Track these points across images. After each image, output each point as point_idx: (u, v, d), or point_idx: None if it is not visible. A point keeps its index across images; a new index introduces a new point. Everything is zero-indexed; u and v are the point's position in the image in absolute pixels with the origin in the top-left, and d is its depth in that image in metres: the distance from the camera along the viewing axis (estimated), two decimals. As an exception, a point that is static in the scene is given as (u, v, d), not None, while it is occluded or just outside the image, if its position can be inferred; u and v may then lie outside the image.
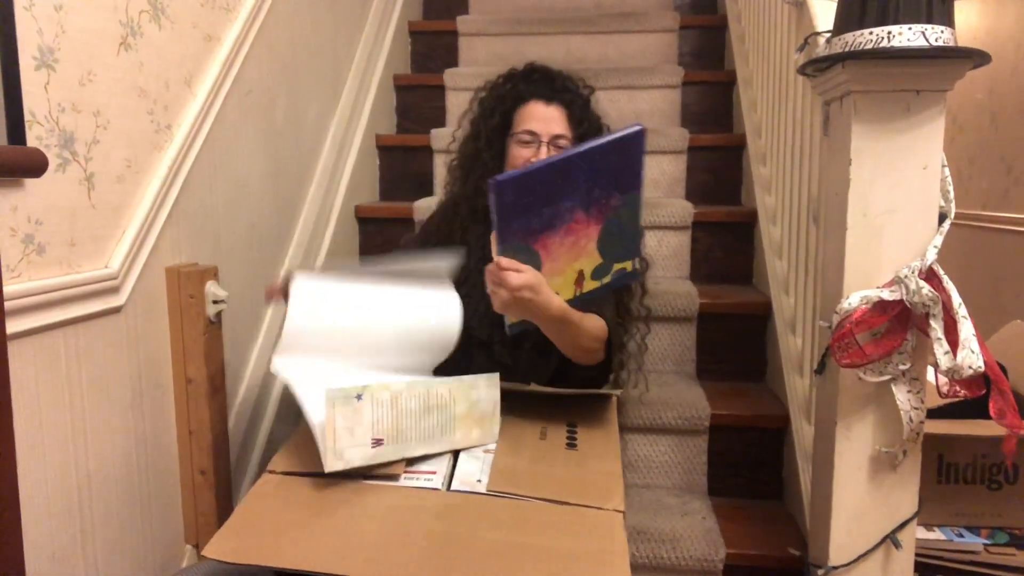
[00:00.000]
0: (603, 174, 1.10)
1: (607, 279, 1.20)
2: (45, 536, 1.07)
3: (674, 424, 1.73)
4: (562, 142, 1.41)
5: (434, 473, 1.03)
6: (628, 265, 1.22)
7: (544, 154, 1.40)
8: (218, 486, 1.41)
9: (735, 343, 1.98)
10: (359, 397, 1.04)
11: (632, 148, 1.12)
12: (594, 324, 1.26)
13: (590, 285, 1.19)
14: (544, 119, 1.41)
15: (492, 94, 1.49)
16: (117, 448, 1.22)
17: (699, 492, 1.76)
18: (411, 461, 1.05)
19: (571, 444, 1.14)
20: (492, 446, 1.10)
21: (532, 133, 1.40)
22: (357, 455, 1.01)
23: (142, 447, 1.29)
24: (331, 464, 0.99)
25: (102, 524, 1.19)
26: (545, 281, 1.14)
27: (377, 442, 1.03)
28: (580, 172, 1.07)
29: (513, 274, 1.09)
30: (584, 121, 1.45)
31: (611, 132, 1.51)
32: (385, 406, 1.06)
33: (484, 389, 1.12)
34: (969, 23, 3.44)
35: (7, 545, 0.79)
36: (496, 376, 1.13)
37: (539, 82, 1.46)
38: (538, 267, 1.11)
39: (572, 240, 1.13)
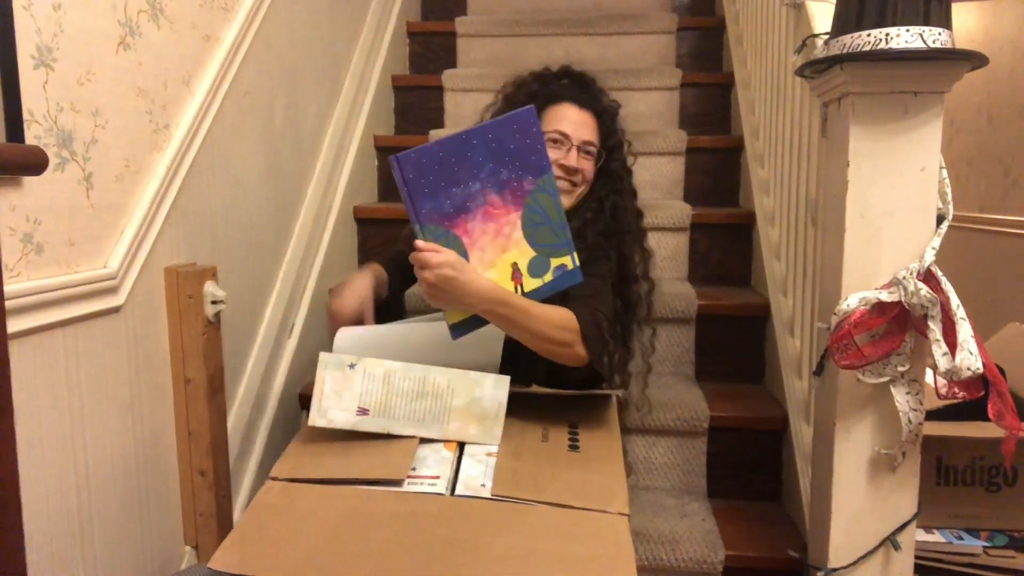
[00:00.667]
0: (505, 155, 1.13)
1: (548, 276, 1.20)
2: (44, 536, 1.07)
3: (673, 426, 1.73)
4: (590, 149, 1.40)
5: (437, 478, 1.02)
6: (567, 261, 1.22)
7: (573, 157, 1.39)
8: (217, 487, 1.41)
9: (734, 345, 1.98)
10: (352, 366, 1.10)
11: (527, 128, 1.14)
12: (556, 313, 1.22)
13: (531, 283, 1.19)
14: (577, 122, 1.40)
15: (522, 91, 1.48)
16: (116, 448, 1.22)
17: (698, 494, 1.76)
18: (414, 466, 1.04)
19: (573, 446, 1.14)
20: (494, 448, 1.10)
21: (564, 135, 1.39)
22: (341, 418, 1.07)
23: (141, 447, 1.28)
24: (314, 420, 1.07)
25: (101, 524, 1.19)
26: (469, 265, 1.14)
27: (363, 411, 1.08)
28: (479, 152, 1.11)
29: (432, 254, 1.10)
30: (613, 134, 1.45)
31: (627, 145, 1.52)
32: (377, 380, 1.10)
33: (489, 388, 1.11)
34: (967, 26, 3.45)
35: (8, 545, 0.79)
36: (506, 379, 1.11)
37: (574, 86, 1.46)
38: (463, 253, 1.12)
39: (494, 227, 1.14)
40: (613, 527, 0.94)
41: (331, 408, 1.07)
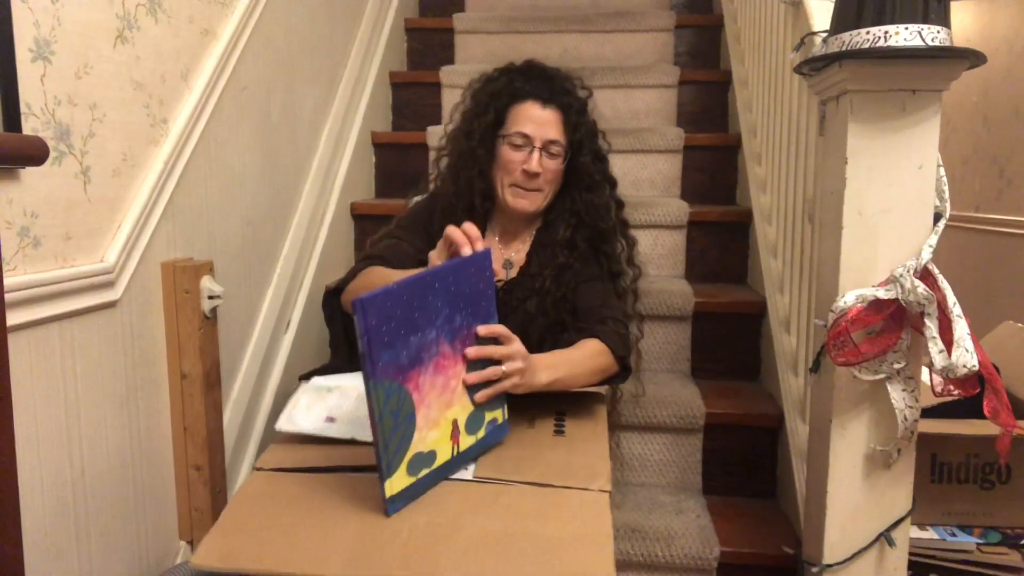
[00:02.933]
0: (460, 300, 1.01)
1: (481, 433, 1.07)
2: (39, 530, 1.07)
3: (669, 423, 1.74)
4: (555, 148, 1.37)
5: None
6: (499, 415, 1.10)
7: (535, 161, 1.36)
8: (213, 482, 1.41)
9: (730, 342, 1.99)
10: (329, 390, 1.17)
11: (482, 271, 1.04)
12: (590, 349, 1.25)
13: (466, 441, 1.05)
14: (539, 122, 1.37)
15: (486, 88, 1.45)
16: (111, 443, 1.22)
17: (694, 490, 1.76)
18: None
19: (559, 431, 1.16)
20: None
21: (525, 136, 1.36)
22: (307, 424, 1.11)
23: (136, 442, 1.28)
24: (281, 425, 1.11)
25: (96, 519, 1.19)
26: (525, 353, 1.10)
27: (330, 420, 1.11)
28: (439, 296, 0.98)
29: (511, 346, 1.07)
30: (580, 127, 1.41)
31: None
32: (350, 399, 1.15)
33: None
34: (964, 25, 3.46)
35: (6, 539, 0.79)
36: None
37: (537, 81, 1.41)
38: (411, 413, 0.96)
39: (443, 381, 1.00)
40: (594, 504, 0.95)
41: (299, 417, 1.12)
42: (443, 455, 1.01)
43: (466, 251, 1.04)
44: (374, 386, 0.91)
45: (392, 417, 0.93)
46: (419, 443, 0.97)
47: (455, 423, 1.02)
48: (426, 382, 0.97)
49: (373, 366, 0.90)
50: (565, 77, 1.45)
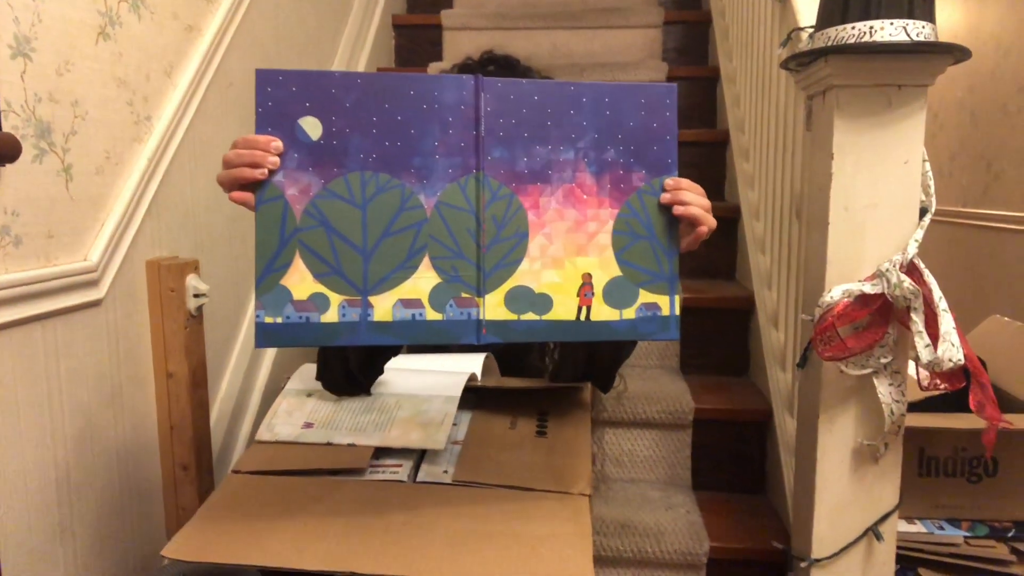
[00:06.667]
0: (619, 130, 0.86)
1: (629, 313, 0.87)
2: (23, 531, 1.06)
3: (658, 418, 1.74)
4: None
5: (400, 466, 1.04)
6: (662, 303, 0.88)
7: None
8: (200, 481, 1.40)
9: (718, 337, 1.99)
10: (309, 395, 1.19)
11: (659, 108, 0.88)
12: None
13: (601, 311, 0.86)
14: None
15: None
16: (96, 443, 1.21)
17: (683, 486, 1.76)
18: (377, 455, 1.06)
19: (541, 432, 1.16)
20: (459, 437, 1.11)
21: None
22: (285, 432, 1.11)
23: (122, 442, 1.27)
24: (261, 435, 1.11)
25: (81, 519, 1.18)
26: None
27: (307, 425, 1.12)
28: (585, 114, 0.85)
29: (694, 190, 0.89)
30: None
31: None
32: (329, 403, 1.16)
33: (439, 403, 1.13)
34: (950, 21, 3.47)
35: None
36: (456, 397, 1.13)
37: (499, 71, 1.39)
38: (523, 233, 0.83)
39: (575, 217, 0.85)
40: (573, 507, 0.95)
41: (278, 425, 1.12)
42: (562, 310, 0.85)
43: None
44: (479, 177, 0.80)
45: (495, 226, 0.81)
46: (527, 276, 0.84)
47: (587, 277, 0.86)
48: (550, 206, 0.84)
49: (481, 157, 0.80)
50: (527, 68, 1.43)
